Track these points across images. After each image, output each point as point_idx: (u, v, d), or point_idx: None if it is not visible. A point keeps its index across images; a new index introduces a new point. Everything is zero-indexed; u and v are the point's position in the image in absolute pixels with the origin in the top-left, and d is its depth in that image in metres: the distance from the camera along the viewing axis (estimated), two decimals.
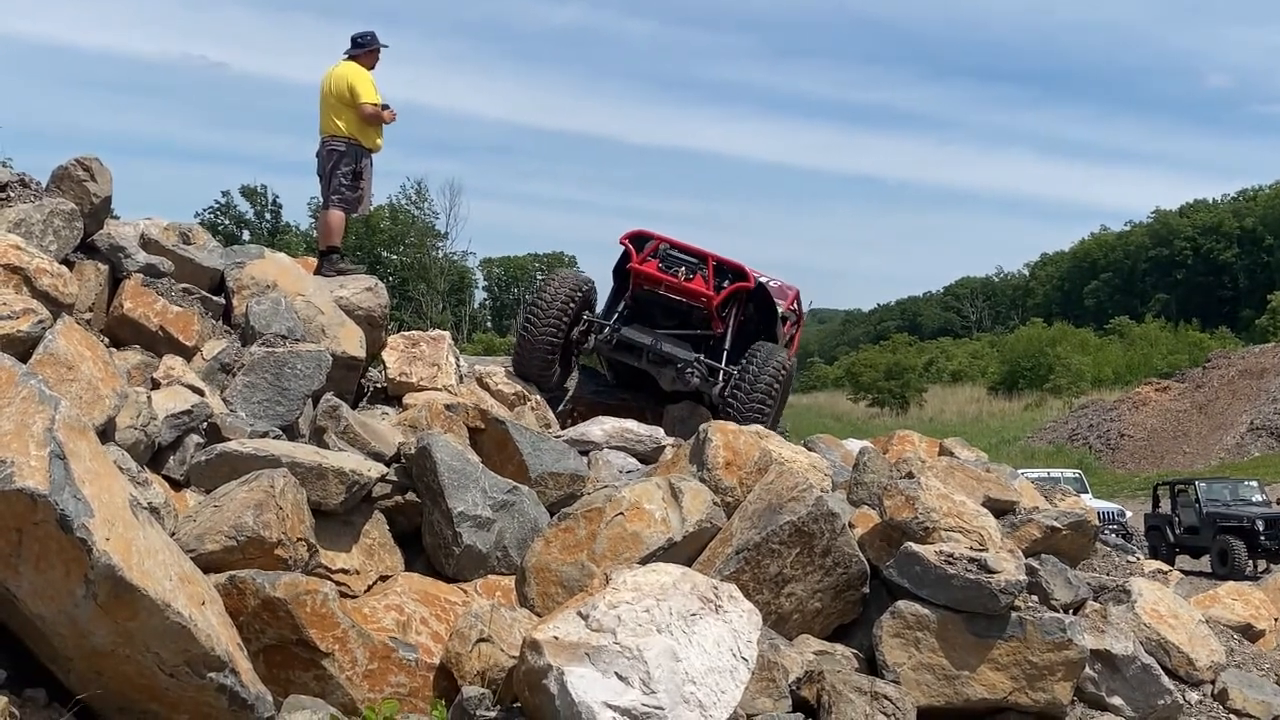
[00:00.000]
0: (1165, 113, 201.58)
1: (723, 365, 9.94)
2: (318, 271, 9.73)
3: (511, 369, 10.21)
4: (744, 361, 9.61)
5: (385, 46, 10.39)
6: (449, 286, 67.06)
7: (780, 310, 10.63)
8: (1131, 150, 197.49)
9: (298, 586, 5.19)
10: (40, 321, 5.96)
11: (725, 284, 10.21)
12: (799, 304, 11.56)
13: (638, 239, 10.45)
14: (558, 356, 10.24)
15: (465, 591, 6.14)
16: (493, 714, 4.95)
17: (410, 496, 6.60)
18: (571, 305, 10.13)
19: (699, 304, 10.14)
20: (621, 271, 10.62)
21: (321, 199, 10.49)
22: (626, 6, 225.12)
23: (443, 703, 5.22)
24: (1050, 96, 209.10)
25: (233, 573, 5.21)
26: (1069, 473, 30.16)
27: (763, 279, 10.61)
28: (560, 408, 10.49)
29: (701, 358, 9.95)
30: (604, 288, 10.95)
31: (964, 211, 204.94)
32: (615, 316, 10.37)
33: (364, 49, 10.28)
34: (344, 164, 10.03)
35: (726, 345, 10.11)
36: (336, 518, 6.14)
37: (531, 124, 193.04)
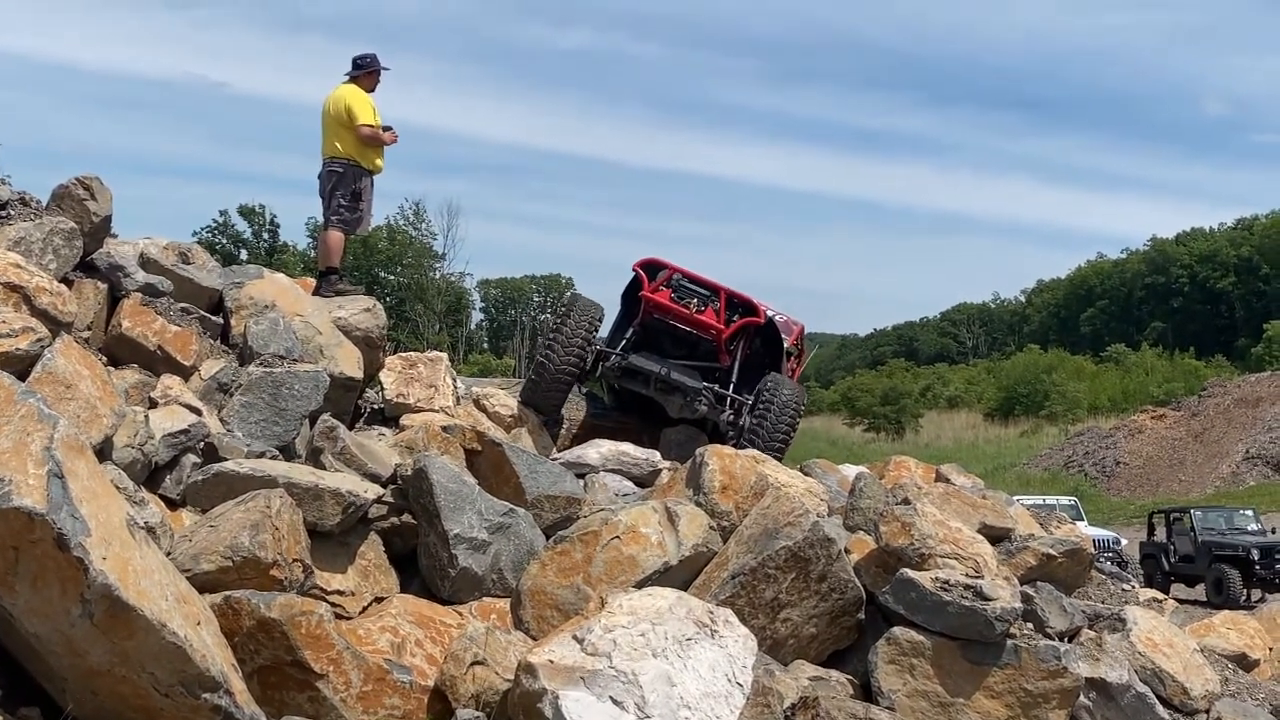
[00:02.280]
0: (1163, 141, 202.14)
1: (731, 393, 9.96)
2: (316, 292, 9.75)
3: (521, 398, 10.11)
4: (766, 397, 9.60)
5: (386, 69, 10.43)
6: (446, 307, 67.08)
7: (786, 345, 10.64)
8: (1129, 178, 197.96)
9: (293, 607, 5.19)
10: (39, 340, 5.97)
11: (735, 318, 10.24)
12: (802, 340, 11.59)
13: (650, 267, 10.45)
14: (574, 386, 10.22)
15: (461, 614, 6.13)
16: None
17: (406, 518, 6.60)
18: (593, 336, 10.08)
19: (708, 336, 10.15)
20: (630, 297, 10.62)
21: (322, 219, 10.53)
22: (631, 31, 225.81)
23: None
24: (1049, 124, 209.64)
25: (228, 593, 5.21)
26: (1065, 500, 30.17)
27: (770, 312, 10.62)
28: (564, 434, 10.47)
29: (714, 387, 9.97)
30: (608, 306, 10.91)
31: (961, 237, 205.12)
32: (623, 343, 10.34)
33: (364, 70, 10.34)
34: (343, 185, 10.09)
35: (734, 378, 10.12)
36: (332, 539, 6.14)
37: (531, 145, 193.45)
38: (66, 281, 7.37)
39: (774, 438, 9.42)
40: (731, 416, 9.87)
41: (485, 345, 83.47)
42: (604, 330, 10.71)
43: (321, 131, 10.21)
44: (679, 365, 10.08)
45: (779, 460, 9.04)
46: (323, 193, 10.22)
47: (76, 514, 4.22)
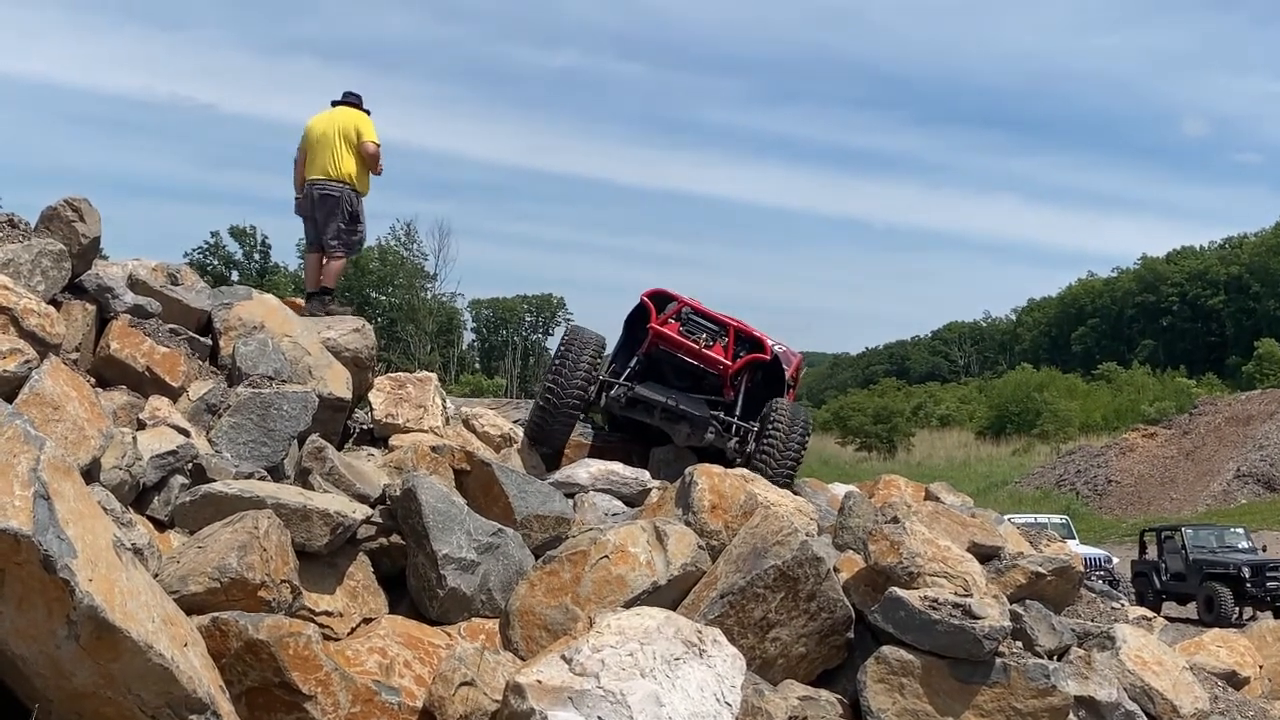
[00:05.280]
0: (1152, 160, 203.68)
1: (737, 420, 9.95)
2: (307, 301, 9.82)
3: (528, 434, 10.03)
4: (773, 423, 9.60)
5: (369, 112, 10.70)
6: (437, 328, 67.06)
7: (786, 376, 10.64)
8: (1119, 197, 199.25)
9: (281, 628, 5.18)
10: (27, 361, 5.97)
11: (742, 353, 10.24)
12: (799, 371, 11.60)
13: (659, 298, 10.43)
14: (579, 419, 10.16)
15: (449, 634, 6.12)
16: None
17: (395, 538, 6.59)
18: (596, 367, 10.01)
19: (715, 371, 10.15)
20: (635, 325, 10.59)
21: (309, 240, 10.59)
22: (619, 51, 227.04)
23: None
24: (1039, 143, 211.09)
25: (216, 614, 5.19)
26: (1056, 518, 30.20)
27: (771, 342, 10.61)
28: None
29: (721, 415, 9.98)
30: (600, 326, 10.85)
31: (952, 256, 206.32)
32: (627, 372, 10.29)
33: (360, 101, 10.59)
34: (341, 209, 10.24)
35: (738, 411, 10.11)
36: (321, 559, 6.12)
37: (522, 165, 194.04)
38: (55, 303, 7.37)
39: (783, 464, 9.42)
40: (737, 444, 9.88)
41: (477, 365, 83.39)
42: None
43: (315, 153, 10.31)
44: (685, 395, 10.08)
45: (789, 486, 9.05)
46: (313, 214, 10.28)
47: (63, 535, 4.21)
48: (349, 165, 10.22)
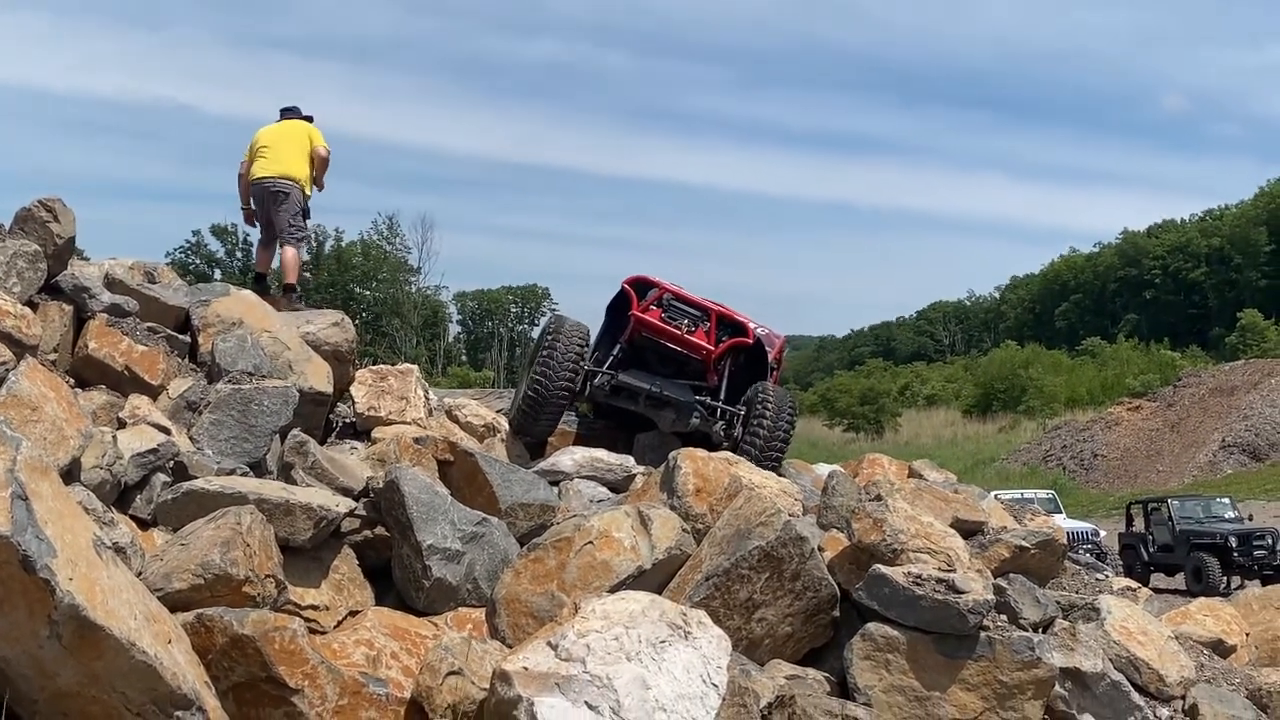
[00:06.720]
0: (1132, 135, 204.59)
1: (722, 404, 9.95)
2: (255, 282, 10.80)
3: (514, 427, 9.99)
4: (758, 407, 9.59)
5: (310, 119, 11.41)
6: (423, 321, 67.00)
7: (770, 358, 10.65)
8: (1099, 172, 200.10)
9: (266, 623, 5.17)
10: (4, 363, 5.95)
11: (725, 337, 10.23)
12: (782, 354, 11.59)
13: (640, 285, 10.41)
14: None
15: (436, 625, 6.12)
16: None
17: (379, 530, 6.58)
18: (582, 357, 9.97)
19: (698, 356, 10.14)
20: (617, 312, 10.56)
21: (263, 236, 11.23)
22: (600, 40, 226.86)
23: None
24: (1019, 121, 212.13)
25: (200, 611, 5.18)
26: (1043, 493, 30.33)
27: (754, 325, 10.59)
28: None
29: (707, 400, 9.98)
30: (584, 317, 10.85)
31: (935, 236, 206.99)
32: (611, 360, 10.27)
33: (300, 112, 11.37)
34: (291, 205, 10.86)
35: (722, 396, 10.12)
36: (305, 554, 6.12)
37: (505, 157, 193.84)
38: (31, 304, 7.33)
39: (770, 447, 9.41)
40: (723, 428, 9.88)
41: (463, 358, 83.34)
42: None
43: (266, 155, 10.93)
44: (669, 381, 10.07)
45: (776, 470, 9.04)
46: (265, 208, 10.95)
47: (41, 535, 4.20)
48: (300, 169, 10.93)
